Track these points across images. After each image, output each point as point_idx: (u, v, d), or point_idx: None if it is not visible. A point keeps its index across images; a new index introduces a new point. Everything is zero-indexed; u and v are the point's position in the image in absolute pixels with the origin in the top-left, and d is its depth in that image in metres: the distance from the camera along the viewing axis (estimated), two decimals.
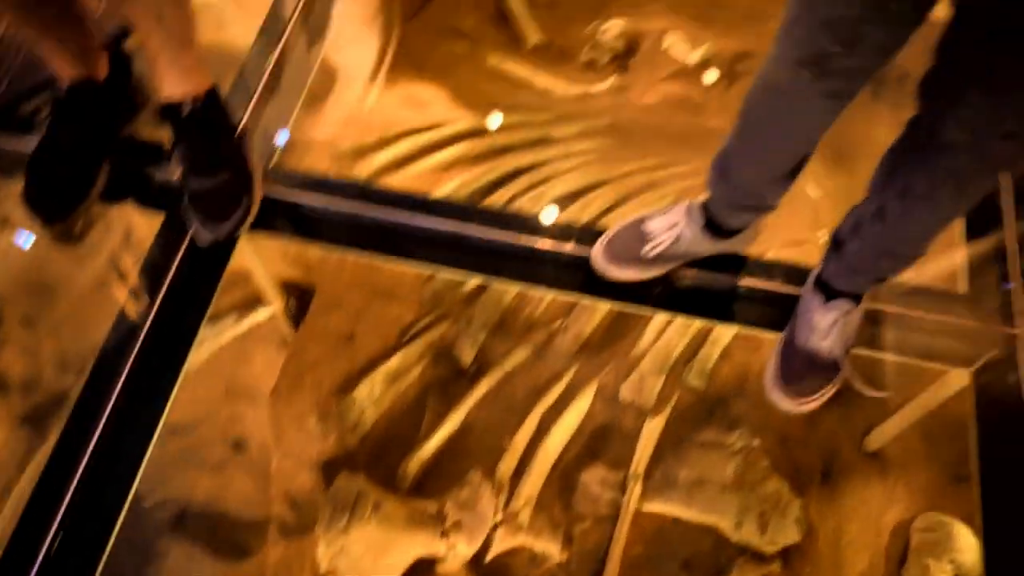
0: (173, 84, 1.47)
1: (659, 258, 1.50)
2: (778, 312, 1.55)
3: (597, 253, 1.53)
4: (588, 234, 1.60)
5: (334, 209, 1.65)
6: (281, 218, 1.65)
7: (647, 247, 1.49)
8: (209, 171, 1.53)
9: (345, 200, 1.65)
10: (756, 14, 2.12)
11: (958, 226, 1.71)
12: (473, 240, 1.62)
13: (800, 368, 1.46)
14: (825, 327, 1.44)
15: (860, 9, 0.96)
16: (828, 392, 1.47)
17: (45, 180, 1.59)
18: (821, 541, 1.45)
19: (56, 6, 1.47)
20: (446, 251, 1.62)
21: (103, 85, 1.61)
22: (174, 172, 1.57)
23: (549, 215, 1.68)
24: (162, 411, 1.44)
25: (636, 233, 1.51)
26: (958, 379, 1.56)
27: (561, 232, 1.64)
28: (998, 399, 1.52)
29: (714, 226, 1.47)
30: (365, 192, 1.68)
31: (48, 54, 1.54)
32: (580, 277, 1.59)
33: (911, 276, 1.56)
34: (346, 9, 2.00)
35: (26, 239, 1.70)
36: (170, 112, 1.50)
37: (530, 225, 1.65)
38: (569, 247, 1.61)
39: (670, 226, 1.49)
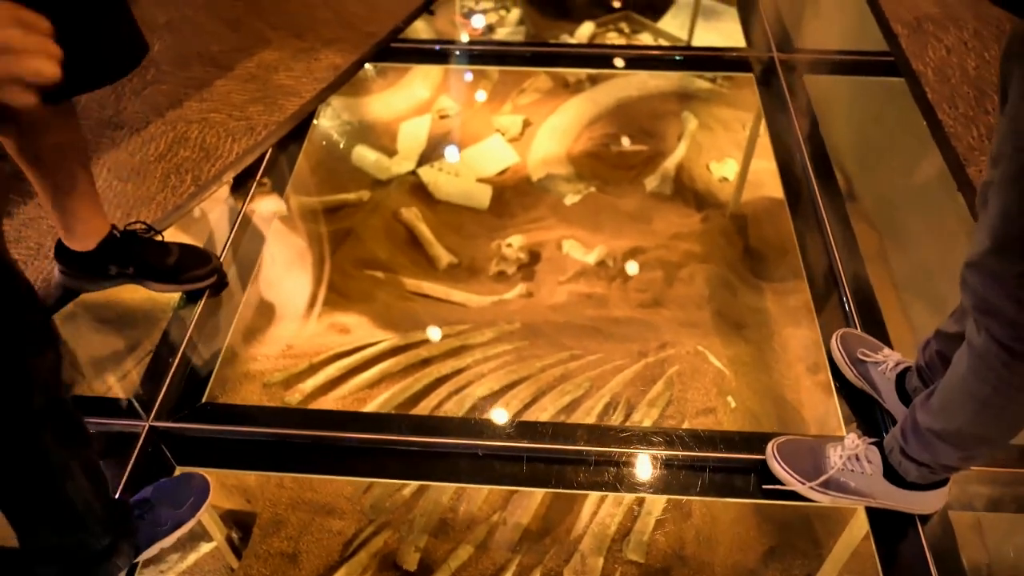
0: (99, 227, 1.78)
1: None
2: (693, 476, 1.67)
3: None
4: (514, 428, 1.73)
5: (266, 436, 1.74)
6: (214, 452, 1.72)
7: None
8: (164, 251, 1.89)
9: (276, 427, 1.75)
10: (639, 216, 2.38)
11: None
12: (403, 447, 1.72)
13: (801, 447, 1.61)
14: (849, 444, 1.55)
15: None
16: (789, 477, 1.58)
17: None
18: None
19: None
20: (379, 462, 1.71)
21: None
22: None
23: (474, 415, 1.79)
24: None
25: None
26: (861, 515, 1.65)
27: (489, 430, 1.74)
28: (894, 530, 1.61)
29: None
30: (294, 416, 1.78)
31: None
32: (511, 469, 1.68)
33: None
34: (274, 251, 2.17)
35: None
36: (110, 246, 1.80)
37: (456, 427, 1.75)
38: (497, 442, 1.71)
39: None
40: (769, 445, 1.63)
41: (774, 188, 2.43)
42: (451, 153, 2.59)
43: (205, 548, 1.65)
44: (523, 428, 1.76)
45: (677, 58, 2.96)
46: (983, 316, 1.18)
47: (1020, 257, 1.08)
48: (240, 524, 1.67)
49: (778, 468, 1.60)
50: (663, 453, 1.70)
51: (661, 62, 2.94)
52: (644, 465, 1.70)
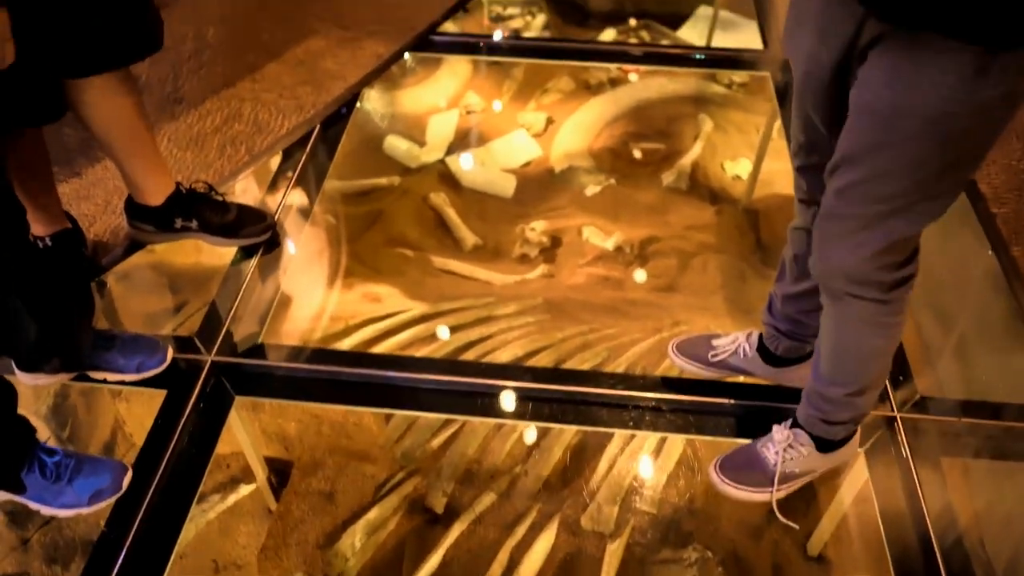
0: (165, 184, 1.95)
1: (720, 364, 1.82)
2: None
3: (670, 350, 1.87)
4: (543, 373, 1.92)
5: (317, 374, 1.94)
6: (268, 385, 1.92)
7: (712, 352, 1.82)
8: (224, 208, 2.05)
9: (326, 364, 1.95)
10: (656, 208, 2.50)
11: None
12: (435, 387, 1.91)
13: (740, 461, 1.68)
14: (779, 438, 1.64)
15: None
16: (747, 494, 1.66)
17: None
18: None
19: (39, 181, 1.82)
20: (414, 398, 1.89)
21: (72, 230, 1.96)
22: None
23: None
24: None
25: (704, 341, 1.85)
26: (860, 469, 1.77)
27: (517, 372, 1.92)
28: (890, 474, 1.75)
29: (764, 350, 1.77)
30: (344, 356, 1.97)
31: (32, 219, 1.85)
32: (546, 410, 1.87)
33: None
34: (314, 225, 2.32)
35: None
36: (176, 201, 1.97)
37: (481, 370, 1.95)
38: (527, 384, 1.90)
39: (732, 342, 1.81)
40: (711, 472, 1.69)
41: (785, 186, 2.56)
42: (478, 144, 2.73)
43: (244, 490, 1.77)
44: (539, 372, 1.95)
45: (697, 56, 3.11)
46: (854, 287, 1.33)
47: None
48: (277, 471, 1.79)
49: (732, 490, 1.66)
50: (669, 396, 1.88)
51: (681, 59, 3.11)
52: (651, 409, 1.87)
